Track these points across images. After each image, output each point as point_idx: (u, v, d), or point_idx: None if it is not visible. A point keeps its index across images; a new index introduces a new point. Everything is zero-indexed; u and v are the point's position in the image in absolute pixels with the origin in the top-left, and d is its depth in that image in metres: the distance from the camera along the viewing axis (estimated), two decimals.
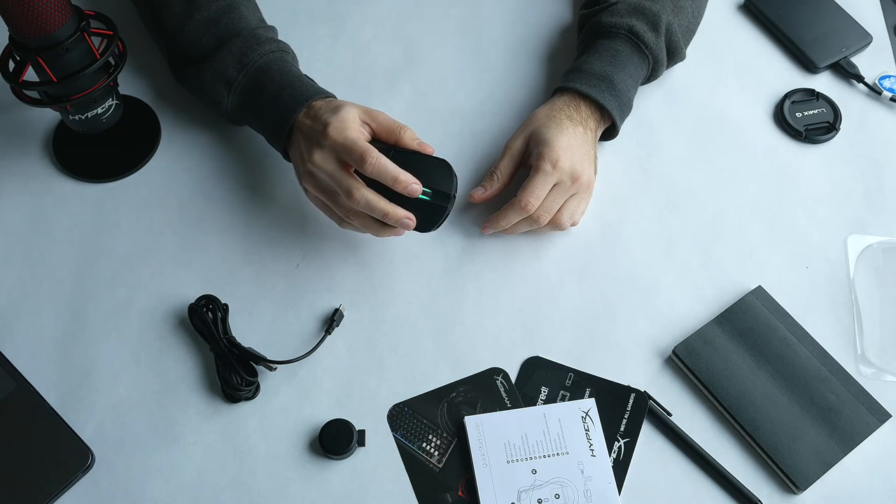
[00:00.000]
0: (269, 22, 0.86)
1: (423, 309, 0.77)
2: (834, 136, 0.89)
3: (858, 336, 0.77)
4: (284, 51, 0.82)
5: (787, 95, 0.90)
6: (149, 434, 0.71)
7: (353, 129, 0.72)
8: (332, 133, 0.71)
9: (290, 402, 0.72)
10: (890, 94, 0.91)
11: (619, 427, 0.72)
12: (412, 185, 0.70)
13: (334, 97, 0.78)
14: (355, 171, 0.72)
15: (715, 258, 0.81)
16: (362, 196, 0.70)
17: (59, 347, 0.74)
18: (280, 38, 0.84)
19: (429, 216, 0.73)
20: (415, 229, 0.73)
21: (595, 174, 0.80)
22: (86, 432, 0.70)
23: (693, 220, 0.83)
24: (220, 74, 0.79)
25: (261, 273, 0.79)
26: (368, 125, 0.74)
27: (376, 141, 0.74)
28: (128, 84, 0.89)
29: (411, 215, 0.72)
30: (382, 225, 0.73)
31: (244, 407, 0.72)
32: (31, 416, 0.70)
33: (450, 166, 0.74)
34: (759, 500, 0.69)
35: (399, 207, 0.71)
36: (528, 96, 0.90)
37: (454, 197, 0.74)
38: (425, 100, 0.90)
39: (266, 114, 0.78)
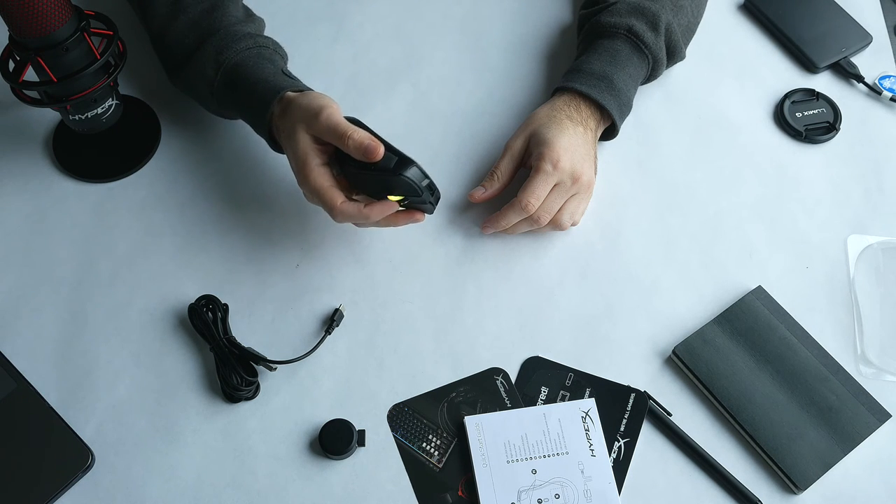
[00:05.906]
0: (269, 23, 0.86)
1: (423, 309, 0.77)
2: (834, 136, 0.89)
3: (858, 336, 0.77)
4: (262, 45, 0.79)
5: (787, 95, 0.90)
6: (149, 434, 0.71)
7: (311, 172, 0.71)
8: (297, 173, 0.72)
9: (290, 402, 0.72)
10: (890, 94, 0.91)
11: (619, 427, 0.72)
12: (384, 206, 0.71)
13: (307, 89, 0.75)
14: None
15: (715, 258, 0.81)
16: (340, 211, 0.71)
17: (59, 347, 0.74)
18: (279, 37, 0.83)
19: (417, 207, 0.74)
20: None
21: (595, 174, 0.80)
22: (86, 432, 0.70)
23: (693, 220, 0.83)
24: (202, 75, 0.79)
25: (261, 273, 0.79)
26: (320, 145, 0.72)
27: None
28: (128, 84, 0.89)
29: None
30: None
31: (244, 407, 0.72)
32: (31, 416, 0.70)
33: (411, 161, 0.70)
34: (759, 500, 0.69)
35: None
36: (528, 96, 0.90)
37: (427, 187, 0.71)
38: (425, 100, 0.90)
39: (247, 110, 0.78)
